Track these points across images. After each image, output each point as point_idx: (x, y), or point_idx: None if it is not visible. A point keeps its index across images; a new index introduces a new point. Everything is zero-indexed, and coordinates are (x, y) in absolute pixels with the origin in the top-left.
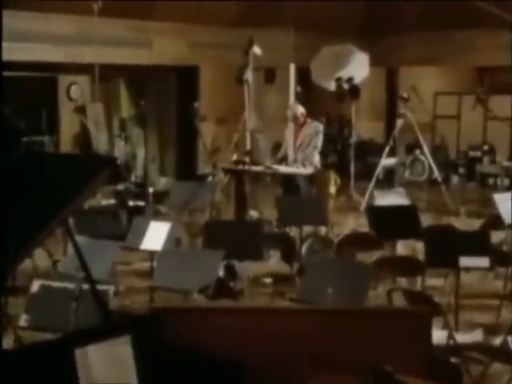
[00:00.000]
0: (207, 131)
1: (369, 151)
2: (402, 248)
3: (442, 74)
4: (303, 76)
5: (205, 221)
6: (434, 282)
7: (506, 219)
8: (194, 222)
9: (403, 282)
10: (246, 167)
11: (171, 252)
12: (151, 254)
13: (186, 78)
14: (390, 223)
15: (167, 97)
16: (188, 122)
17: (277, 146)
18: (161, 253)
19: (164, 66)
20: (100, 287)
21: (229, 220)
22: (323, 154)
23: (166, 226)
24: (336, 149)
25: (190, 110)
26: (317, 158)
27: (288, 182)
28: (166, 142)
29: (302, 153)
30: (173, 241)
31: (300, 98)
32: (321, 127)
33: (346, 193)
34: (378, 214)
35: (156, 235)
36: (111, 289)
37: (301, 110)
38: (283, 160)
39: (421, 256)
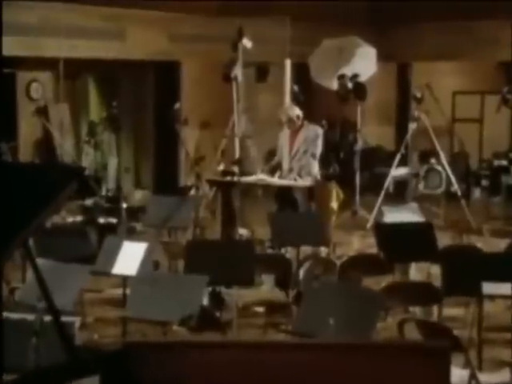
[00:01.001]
0: (190, 137)
1: (377, 160)
2: (415, 272)
3: (461, 70)
4: (300, 73)
5: (187, 241)
6: (453, 311)
7: None
8: (174, 241)
9: (417, 311)
10: (235, 179)
11: (147, 277)
12: (124, 280)
13: (165, 76)
14: (402, 243)
15: (144, 97)
16: (168, 126)
17: (270, 154)
18: (135, 278)
19: (140, 62)
20: (64, 319)
21: (215, 240)
22: (323, 163)
23: (141, 246)
24: (338, 157)
25: (170, 113)
26: (316, 168)
27: (283, 195)
28: (143, 150)
29: (299, 162)
30: (149, 264)
31: (297, 99)
32: (321, 132)
33: (350, 208)
34: (387, 233)
35: (130, 258)
36: (77, 320)
37: (297, 112)
38: (277, 169)
39: (437, 282)
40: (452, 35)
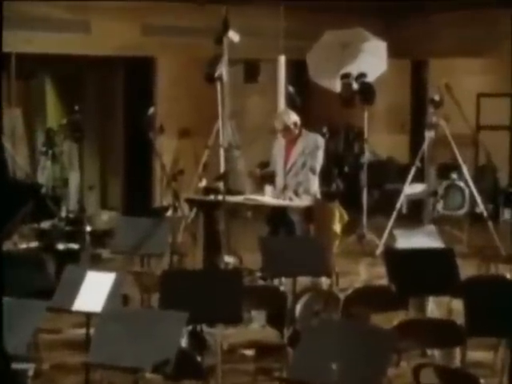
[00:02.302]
0: (166, 147)
1: (387, 175)
2: (433, 308)
3: (487, 68)
4: (297, 72)
5: (162, 270)
6: (479, 355)
7: None
8: (147, 271)
9: (436, 355)
10: (220, 197)
11: (115, 314)
12: (88, 318)
13: (137, 75)
14: (417, 273)
15: (112, 100)
16: (140, 134)
17: (261, 168)
18: (101, 315)
19: (107, 58)
20: (16, 366)
21: (195, 269)
22: (325, 178)
23: (108, 277)
24: (342, 172)
25: (143, 119)
26: (315, 185)
27: (277, 217)
28: (110, 163)
29: (296, 177)
30: (118, 298)
31: (293, 102)
32: (321, 142)
33: (356, 232)
34: (399, 261)
35: (95, 291)
36: (31, 368)
37: (294, 118)
38: (269, 181)
39: (460, 319)
40: (475, 27)
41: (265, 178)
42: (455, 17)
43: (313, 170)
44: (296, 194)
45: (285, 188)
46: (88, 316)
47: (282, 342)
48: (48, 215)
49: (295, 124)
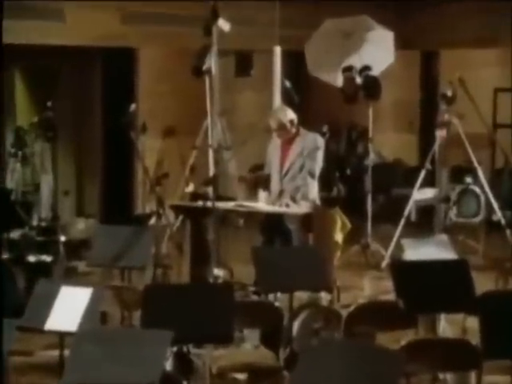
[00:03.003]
0: (149, 148)
1: (394, 178)
2: (445, 327)
3: (504, 60)
4: (294, 65)
5: (145, 285)
6: (497, 379)
7: None
8: (128, 286)
9: (448, 378)
10: (208, 203)
11: (93, 334)
12: (62, 338)
13: (117, 68)
14: (427, 288)
15: (89, 96)
16: (120, 133)
17: (255, 171)
18: (77, 335)
19: (84, 49)
20: None
21: (182, 284)
22: (325, 182)
23: (85, 293)
24: (344, 175)
25: (124, 116)
26: (315, 190)
27: (272, 225)
28: (87, 165)
29: (293, 181)
30: (96, 316)
31: (290, 98)
32: (321, 142)
33: (359, 241)
34: (408, 274)
35: (70, 308)
36: None
37: (291, 115)
38: (264, 184)
39: (475, 339)
40: (492, 15)
41: (258, 182)
42: (469, 5)
43: (312, 174)
44: (293, 199)
45: (281, 193)
46: (62, 336)
47: (278, 365)
48: (18, 224)
49: (292, 122)
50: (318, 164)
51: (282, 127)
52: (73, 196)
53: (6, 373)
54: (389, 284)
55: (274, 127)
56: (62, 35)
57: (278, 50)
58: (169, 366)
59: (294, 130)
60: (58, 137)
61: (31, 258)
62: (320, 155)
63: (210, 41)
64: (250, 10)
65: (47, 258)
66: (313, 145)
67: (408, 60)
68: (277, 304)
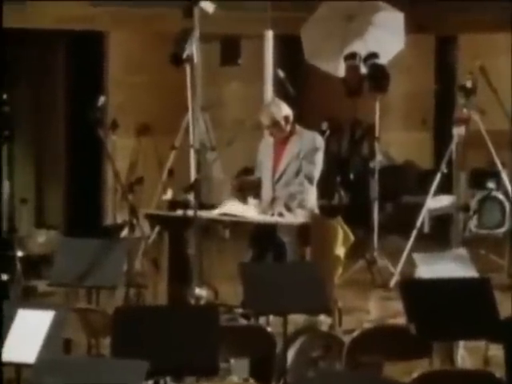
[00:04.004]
0: (121, 149)
1: (405, 184)
2: (464, 356)
3: None
4: (289, 52)
5: (116, 307)
6: None
7: None
8: (96, 309)
9: None
10: (189, 213)
11: (55, 365)
12: (18, 370)
13: (84, 55)
14: (444, 311)
15: (51, 87)
16: (87, 132)
17: (243, 175)
18: (36, 366)
19: (46, 33)
20: None
21: (158, 305)
22: (324, 188)
23: (45, 317)
24: (347, 180)
25: (91, 111)
26: (313, 197)
27: (262, 237)
28: (49, 169)
29: (287, 187)
30: (58, 343)
31: (284, 91)
32: (320, 141)
33: (364, 256)
34: (421, 295)
35: (28, 334)
36: None
37: (285, 111)
38: (254, 189)
39: (499, 371)
40: None
41: (247, 187)
42: None
43: (310, 179)
44: (288, 208)
45: (273, 200)
46: (18, 368)
47: None
48: None
49: (287, 119)
50: (318, 167)
51: (275, 124)
52: (32, 204)
53: None
54: (398, 306)
55: (265, 124)
56: (21, 17)
57: (269, 34)
58: None
59: (288, 128)
60: (15, 136)
61: None
62: (319, 157)
63: (192, 24)
64: None
65: (2, 277)
66: (311, 145)
67: (421, 46)
68: (269, 329)
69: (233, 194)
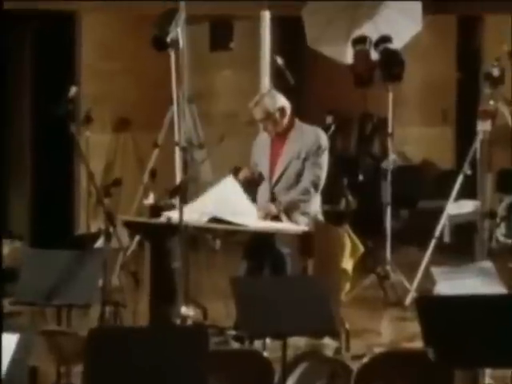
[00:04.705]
0: (96, 146)
1: (422, 187)
2: None
3: None
4: (288, 35)
5: (89, 329)
6: None
7: None
8: (67, 331)
9: None
10: (174, 219)
11: None
12: None
13: (52, 39)
14: (467, 333)
15: (15, 77)
16: (56, 127)
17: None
18: None
19: (7, 14)
20: None
21: (139, 327)
22: (330, 191)
23: (8, 341)
24: (355, 182)
25: (62, 104)
26: (317, 201)
27: (258, 248)
28: (12, 171)
29: (287, 190)
30: (23, 372)
31: (282, 80)
32: (324, 138)
33: (375, 270)
34: (440, 314)
35: None
36: None
37: (280, 101)
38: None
39: None
40: None
41: (253, 184)
42: None
43: (316, 185)
44: (287, 214)
45: (271, 206)
46: None
47: None
48: None
49: (282, 111)
50: (323, 170)
51: (268, 117)
52: None
53: None
54: (415, 327)
55: (258, 118)
56: None
57: (266, 15)
58: None
59: (285, 122)
60: None
61: None
62: (325, 158)
63: (177, 4)
64: None
65: None
66: (314, 143)
67: (441, 29)
68: (265, 354)
69: None
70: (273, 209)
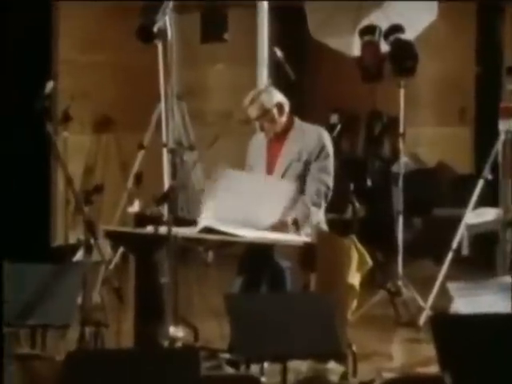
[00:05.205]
0: (74, 148)
1: (437, 193)
2: None
3: None
4: (288, 26)
5: (67, 352)
6: None
7: None
8: (42, 355)
9: None
10: (162, 230)
11: None
12: None
13: (25, 28)
14: (487, 356)
15: None
16: (30, 126)
17: None
18: None
19: None
20: None
21: (122, 349)
22: (335, 198)
23: None
24: (363, 187)
25: (37, 101)
26: (320, 211)
27: (255, 261)
28: None
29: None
30: None
31: (282, 75)
32: (327, 138)
33: (386, 285)
34: (458, 335)
35: None
36: None
37: (277, 97)
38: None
39: None
40: None
41: None
42: None
43: (326, 195)
44: (296, 224)
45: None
46: None
47: None
48: None
49: (280, 107)
50: (328, 172)
51: (265, 114)
52: None
53: None
54: (429, 350)
55: (254, 116)
56: None
57: (264, 4)
58: None
59: (283, 120)
60: None
61: None
62: (331, 161)
63: None
64: None
65: None
66: (316, 144)
67: (459, 18)
68: (263, 380)
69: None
70: (289, 220)
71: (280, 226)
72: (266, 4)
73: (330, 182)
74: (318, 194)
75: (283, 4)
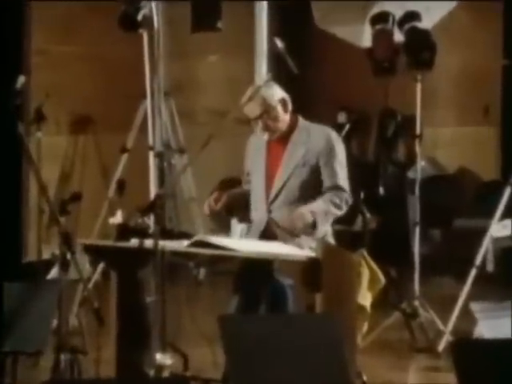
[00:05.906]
0: (49, 151)
1: (459, 202)
2: None
3: None
4: (290, 14)
5: (41, 382)
6: None
7: None
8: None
9: None
10: (147, 243)
11: None
12: None
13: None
14: None
15: None
16: (1, 126)
17: (224, 188)
18: None
19: None
20: None
21: (103, 378)
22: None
23: None
24: (375, 195)
25: (8, 99)
26: (327, 224)
27: (253, 279)
28: None
29: (289, 206)
30: None
31: (283, 69)
32: (336, 139)
33: (400, 306)
34: (482, 362)
35: None
36: None
37: (279, 94)
38: (236, 209)
39: None
40: None
41: (237, 206)
42: None
43: (339, 207)
44: (314, 225)
45: (268, 226)
46: None
47: None
48: None
49: (284, 103)
50: (346, 181)
51: (268, 111)
52: None
53: None
54: (450, 378)
55: (254, 116)
56: None
57: None
58: None
59: (287, 119)
60: None
61: None
62: (343, 163)
63: None
64: None
65: None
66: (324, 146)
67: (483, 5)
68: None
69: (211, 216)
70: (307, 215)
71: (294, 221)
72: None
73: (347, 187)
74: (338, 196)
75: None
